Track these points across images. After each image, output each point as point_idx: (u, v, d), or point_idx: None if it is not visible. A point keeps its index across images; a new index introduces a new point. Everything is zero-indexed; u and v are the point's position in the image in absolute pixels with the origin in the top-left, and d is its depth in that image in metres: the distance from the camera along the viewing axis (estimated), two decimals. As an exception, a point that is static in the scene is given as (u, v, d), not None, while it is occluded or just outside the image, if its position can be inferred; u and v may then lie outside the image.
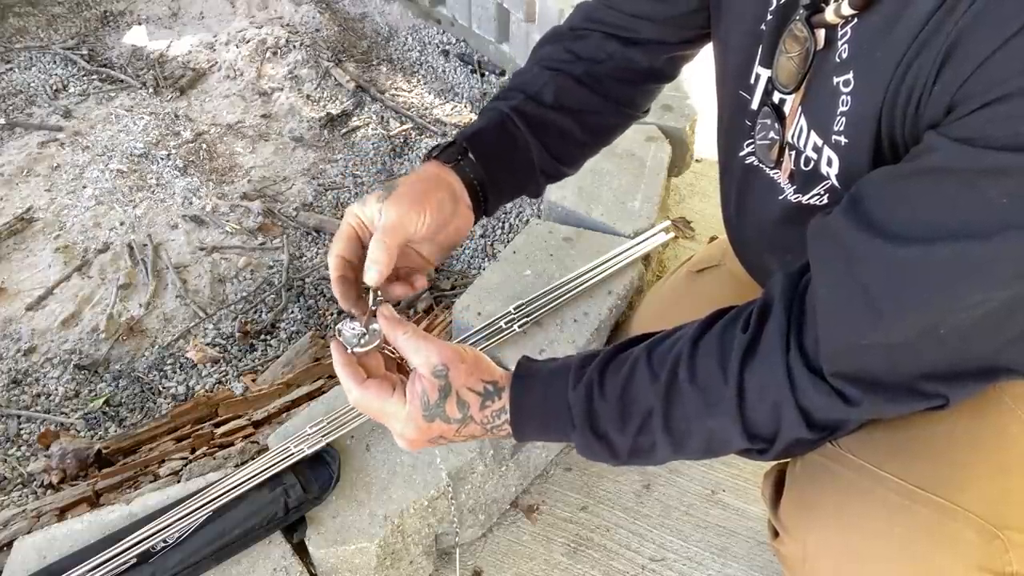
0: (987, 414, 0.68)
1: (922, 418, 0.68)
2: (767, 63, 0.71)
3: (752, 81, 0.75)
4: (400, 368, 0.78)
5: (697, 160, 1.87)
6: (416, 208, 0.74)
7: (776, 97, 0.71)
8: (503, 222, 1.99)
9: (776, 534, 0.79)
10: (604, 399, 0.69)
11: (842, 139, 0.62)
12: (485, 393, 0.72)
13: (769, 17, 0.69)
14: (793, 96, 0.68)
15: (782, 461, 0.83)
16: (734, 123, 0.80)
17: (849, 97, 0.61)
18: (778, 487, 0.79)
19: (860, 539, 0.69)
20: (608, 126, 0.95)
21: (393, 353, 0.78)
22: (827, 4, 0.61)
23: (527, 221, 1.52)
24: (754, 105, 0.75)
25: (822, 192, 0.69)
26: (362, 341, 0.75)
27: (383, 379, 0.73)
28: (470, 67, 2.54)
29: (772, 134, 0.72)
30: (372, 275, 0.72)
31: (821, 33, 0.62)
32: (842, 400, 0.61)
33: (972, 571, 0.65)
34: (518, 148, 0.86)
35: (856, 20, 0.59)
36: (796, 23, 0.64)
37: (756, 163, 0.78)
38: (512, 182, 0.88)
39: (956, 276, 0.53)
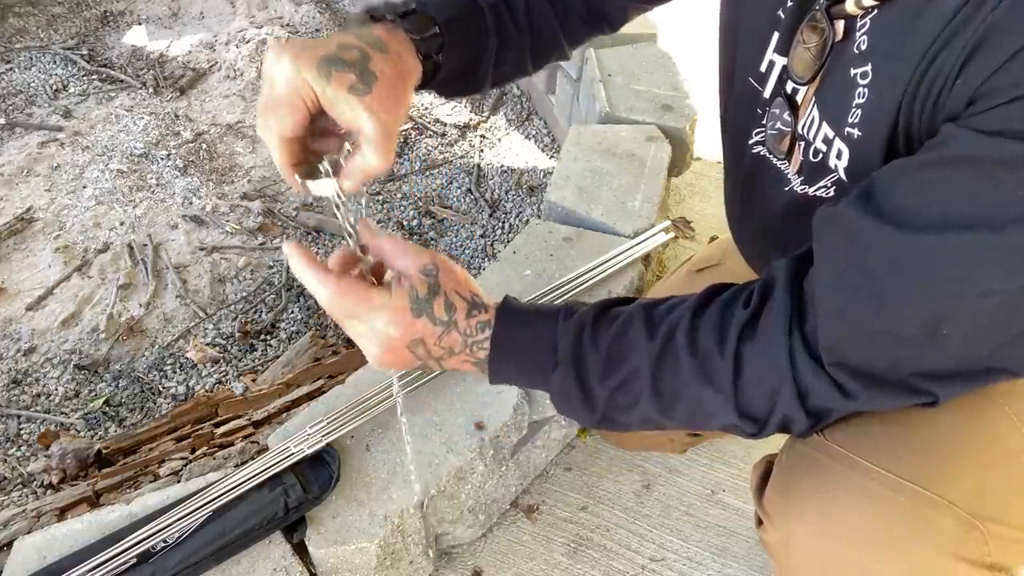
0: (976, 410, 0.68)
1: (911, 413, 0.68)
2: (783, 51, 0.70)
3: (764, 69, 0.74)
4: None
5: (697, 160, 1.87)
6: (401, 113, 0.64)
7: (789, 87, 0.71)
8: (503, 222, 1.99)
9: (760, 522, 0.80)
10: (594, 346, 0.68)
11: (855, 132, 0.62)
12: (472, 303, 0.68)
13: (789, 4, 0.69)
14: (807, 87, 0.68)
15: (771, 453, 0.83)
16: (742, 112, 0.80)
17: (866, 89, 0.60)
18: (764, 477, 0.80)
19: (841, 527, 0.69)
20: (545, 56, 0.89)
21: (366, 272, 0.70)
22: None
23: (527, 221, 1.51)
24: (766, 94, 0.75)
25: (829, 184, 0.69)
26: (323, 187, 0.63)
27: (361, 278, 0.67)
28: (470, 67, 2.55)
29: (781, 124, 0.72)
30: (355, 183, 0.63)
31: (840, 25, 0.62)
32: (840, 391, 0.61)
33: (949, 559, 0.65)
34: (478, 50, 0.79)
35: (876, 11, 0.59)
36: (816, 13, 0.64)
37: (764, 153, 0.78)
38: (452, 81, 0.78)
39: (965, 266, 0.52)
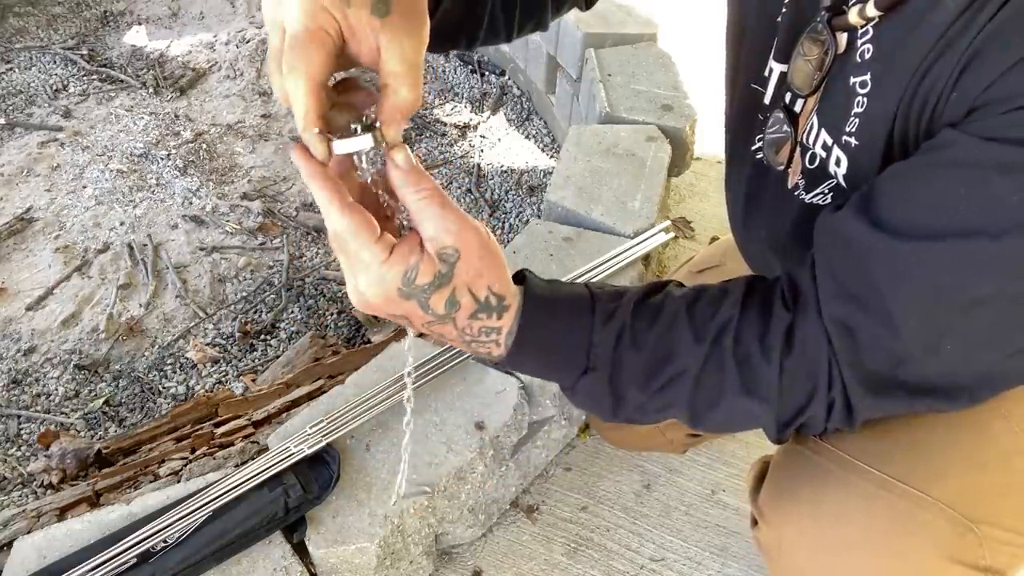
0: (969, 411, 0.67)
1: (905, 415, 0.68)
2: (781, 58, 0.70)
3: (766, 74, 0.74)
4: (388, 220, 0.60)
5: (697, 160, 1.87)
6: (423, 37, 0.55)
7: (788, 97, 0.71)
8: (503, 222, 1.99)
9: (755, 522, 0.80)
10: (635, 348, 0.62)
11: (853, 140, 0.62)
12: (485, 305, 0.59)
13: (784, 11, 0.69)
14: (807, 99, 0.68)
15: (769, 454, 0.83)
16: (745, 117, 0.80)
17: (865, 98, 0.60)
18: (760, 477, 0.80)
19: (833, 526, 0.69)
20: (530, 12, 0.79)
21: (386, 201, 0.60)
22: (849, 6, 0.60)
23: (527, 221, 1.51)
24: (767, 100, 0.75)
25: (827, 191, 0.69)
26: (353, 144, 0.54)
27: (371, 219, 0.55)
28: (470, 67, 2.54)
29: (784, 127, 0.72)
30: (396, 126, 0.55)
31: (843, 37, 0.62)
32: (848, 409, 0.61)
33: (944, 561, 0.65)
34: None
35: (879, 20, 0.59)
36: (817, 25, 0.63)
37: (764, 160, 0.78)
38: (452, 21, 0.71)
39: (960, 272, 0.52)
